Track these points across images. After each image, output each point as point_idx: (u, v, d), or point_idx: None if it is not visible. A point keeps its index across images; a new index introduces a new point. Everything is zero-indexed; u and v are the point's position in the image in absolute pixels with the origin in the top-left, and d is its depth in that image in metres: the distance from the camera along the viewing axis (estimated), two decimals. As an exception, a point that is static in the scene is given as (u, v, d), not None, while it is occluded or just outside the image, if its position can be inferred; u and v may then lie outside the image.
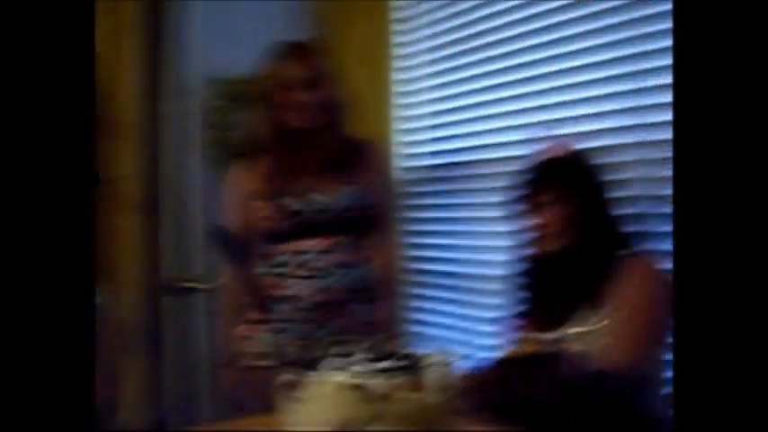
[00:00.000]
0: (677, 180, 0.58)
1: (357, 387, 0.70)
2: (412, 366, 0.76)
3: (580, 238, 1.46)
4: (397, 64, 2.58)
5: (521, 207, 1.53)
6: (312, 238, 1.91)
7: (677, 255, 0.57)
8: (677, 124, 0.59)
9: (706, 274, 0.53)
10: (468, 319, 2.33)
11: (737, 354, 0.52)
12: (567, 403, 0.89)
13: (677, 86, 0.60)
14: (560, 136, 1.55)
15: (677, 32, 0.59)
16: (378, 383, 0.71)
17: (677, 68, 0.60)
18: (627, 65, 1.78)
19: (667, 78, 1.73)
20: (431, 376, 0.74)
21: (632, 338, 1.33)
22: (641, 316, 1.36)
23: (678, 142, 0.57)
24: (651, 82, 1.75)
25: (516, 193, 1.54)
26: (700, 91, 0.55)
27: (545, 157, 1.52)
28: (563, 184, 1.47)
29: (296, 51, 1.94)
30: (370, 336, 0.81)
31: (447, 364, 0.75)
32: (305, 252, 1.90)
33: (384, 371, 0.74)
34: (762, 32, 0.55)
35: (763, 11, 0.55)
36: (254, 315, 1.93)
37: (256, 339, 1.92)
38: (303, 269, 1.89)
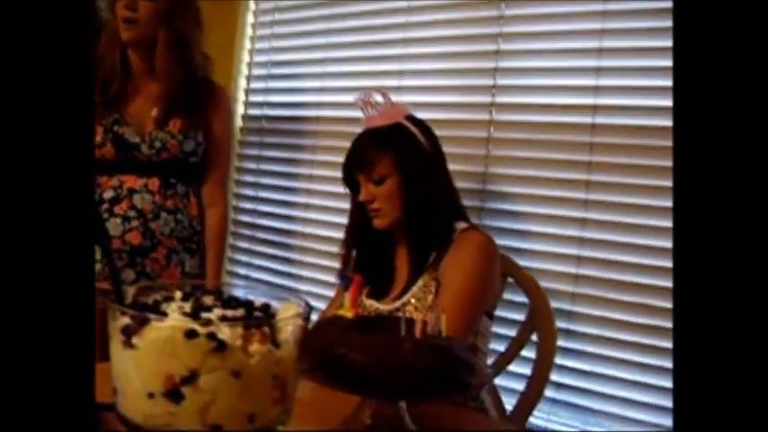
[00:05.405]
0: (677, 178, 0.59)
1: (209, 336, 0.63)
2: (267, 317, 0.70)
3: (411, 210, 1.40)
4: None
5: (351, 180, 1.45)
6: (145, 177, 1.75)
7: (677, 255, 0.58)
8: (677, 126, 0.59)
9: (706, 274, 0.54)
10: (294, 278, 2.29)
11: (737, 353, 0.53)
12: (393, 369, 0.86)
13: (677, 87, 0.60)
14: (392, 103, 1.46)
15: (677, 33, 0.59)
16: (231, 333, 0.63)
17: (677, 69, 0.61)
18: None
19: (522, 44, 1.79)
20: (286, 329, 0.68)
21: (462, 310, 1.32)
22: (472, 288, 1.36)
23: (678, 141, 0.57)
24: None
25: (347, 165, 1.45)
26: (700, 91, 0.56)
27: (371, 125, 1.44)
28: (389, 156, 1.39)
29: None
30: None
31: (302, 318, 0.70)
32: (134, 190, 1.74)
33: (236, 320, 0.67)
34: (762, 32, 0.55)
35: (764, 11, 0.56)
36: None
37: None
38: (129, 208, 1.72)
